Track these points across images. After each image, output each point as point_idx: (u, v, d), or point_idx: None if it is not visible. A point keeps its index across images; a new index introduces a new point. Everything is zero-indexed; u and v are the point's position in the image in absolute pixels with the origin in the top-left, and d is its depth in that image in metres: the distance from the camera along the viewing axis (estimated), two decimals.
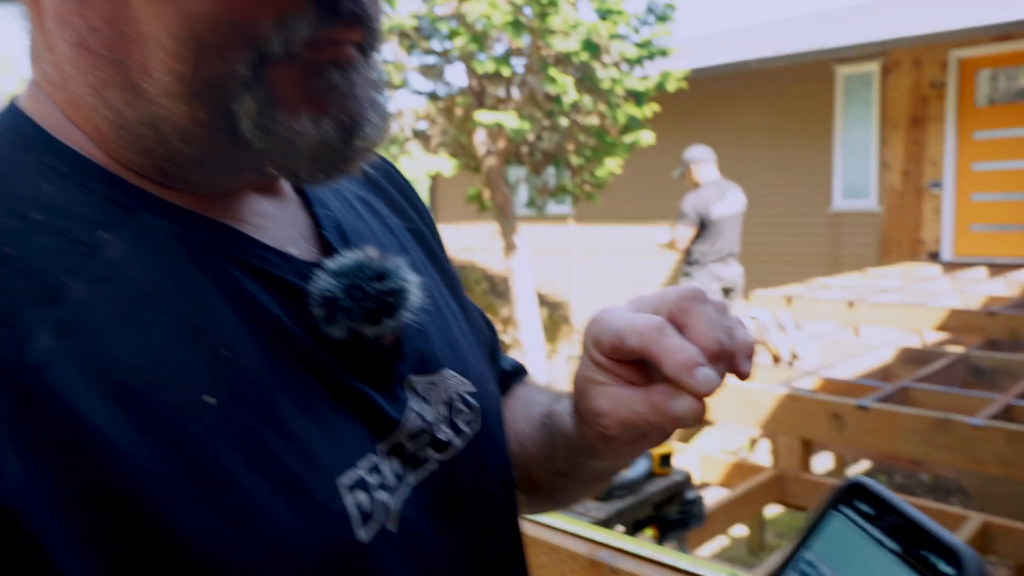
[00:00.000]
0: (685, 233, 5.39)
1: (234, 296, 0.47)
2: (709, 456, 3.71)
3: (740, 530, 4.15)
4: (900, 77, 7.87)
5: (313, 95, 0.46)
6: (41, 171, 0.45)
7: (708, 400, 0.50)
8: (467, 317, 0.72)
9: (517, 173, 9.64)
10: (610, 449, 0.59)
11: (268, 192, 0.56)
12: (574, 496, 0.81)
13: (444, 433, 0.57)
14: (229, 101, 0.45)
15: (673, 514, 2.03)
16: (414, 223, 0.72)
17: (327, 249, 0.56)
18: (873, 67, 8.02)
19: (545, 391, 0.80)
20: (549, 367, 8.38)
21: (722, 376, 0.50)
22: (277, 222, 0.55)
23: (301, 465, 0.45)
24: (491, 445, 0.63)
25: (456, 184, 11.15)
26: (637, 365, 0.55)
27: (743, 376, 0.52)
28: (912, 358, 4.18)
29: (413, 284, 0.53)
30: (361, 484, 0.49)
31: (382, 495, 0.50)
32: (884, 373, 4.16)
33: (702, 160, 5.49)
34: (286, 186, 0.58)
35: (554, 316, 10.20)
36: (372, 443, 0.51)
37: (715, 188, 5.42)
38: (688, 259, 5.46)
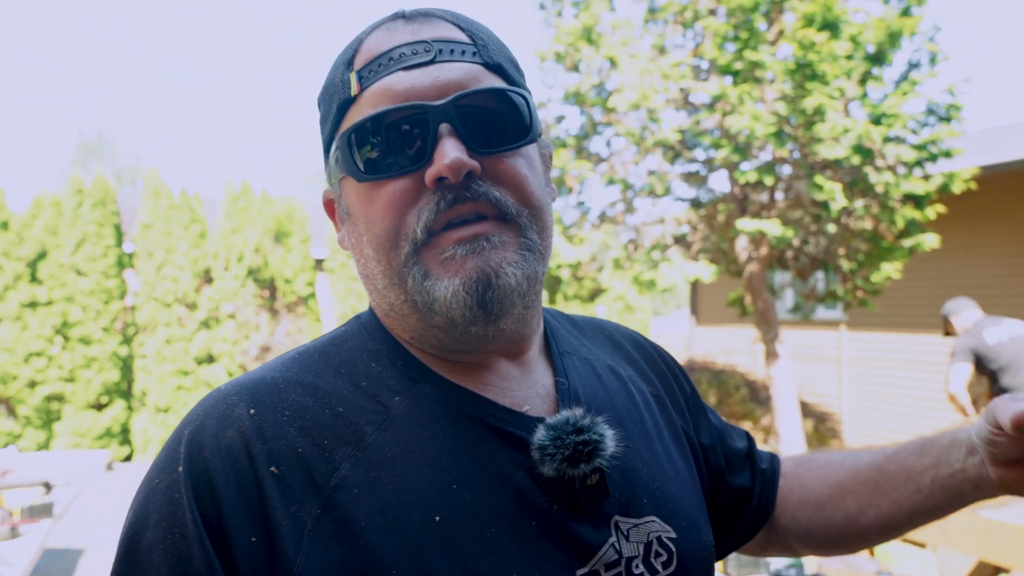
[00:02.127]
0: (958, 371, 4.84)
1: (471, 446, 0.71)
2: None
3: None
4: None
5: (444, 264, 0.69)
6: (373, 353, 0.76)
7: None
8: (691, 471, 0.87)
9: (782, 277, 9.35)
10: (992, 453, 0.78)
11: (515, 358, 0.78)
12: (902, 524, 0.91)
13: (639, 568, 0.72)
14: (405, 281, 0.70)
15: None
16: (656, 389, 0.91)
17: (558, 409, 0.77)
18: None
19: (852, 450, 0.98)
20: None
21: None
22: (519, 384, 0.78)
23: (495, 575, 0.63)
24: None
25: (717, 286, 11.06)
26: None
27: None
28: None
29: (607, 437, 0.72)
30: None
31: None
32: None
33: (959, 308, 5.06)
34: (533, 356, 0.81)
35: (820, 428, 9.51)
36: (570, 568, 0.68)
37: (984, 320, 4.91)
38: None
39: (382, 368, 0.73)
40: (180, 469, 0.64)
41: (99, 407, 11.48)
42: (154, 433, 11.59)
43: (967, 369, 4.83)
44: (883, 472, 0.90)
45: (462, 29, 0.75)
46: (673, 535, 0.76)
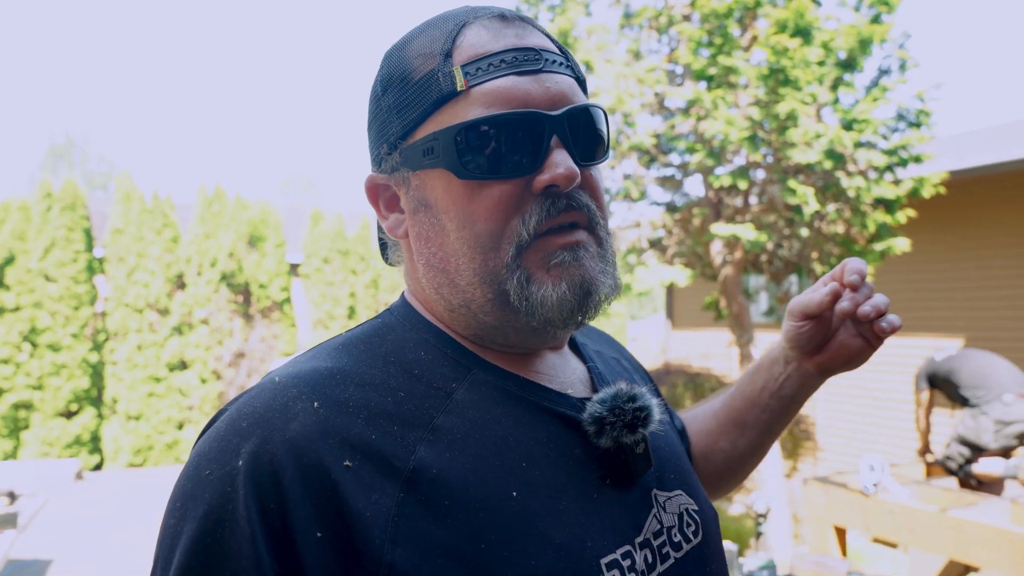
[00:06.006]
0: (921, 397, 5.31)
1: (530, 425, 0.72)
2: None
3: None
4: None
5: (550, 270, 0.72)
6: (420, 343, 0.76)
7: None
8: (681, 446, 0.96)
9: (757, 280, 9.44)
10: (801, 347, 0.94)
11: (557, 350, 0.83)
12: (766, 440, 1.07)
13: (676, 536, 0.77)
14: (503, 283, 0.72)
15: None
16: (643, 377, 1.01)
17: (596, 390, 0.82)
18: None
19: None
20: (787, 487, 7.85)
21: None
22: (563, 371, 0.82)
23: (573, 544, 0.67)
24: (712, 552, 0.83)
25: (693, 290, 11.13)
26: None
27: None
28: None
29: (655, 404, 0.76)
30: (616, 565, 0.69)
31: None
32: None
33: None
34: (566, 347, 0.86)
35: (794, 431, 9.60)
36: (630, 537, 0.72)
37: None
38: (962, 434, 4.89)
39: (432, 357, 0.75)
40: (240, 463, 0.61)
41: (68, 415, 11.26)
42: (125, 441, 11.39)
43: (923, 394, 5.30)
44: (733, 407, 1.06)
45: (552, 40, 0.78)
46: (695, 507, 0.82)
